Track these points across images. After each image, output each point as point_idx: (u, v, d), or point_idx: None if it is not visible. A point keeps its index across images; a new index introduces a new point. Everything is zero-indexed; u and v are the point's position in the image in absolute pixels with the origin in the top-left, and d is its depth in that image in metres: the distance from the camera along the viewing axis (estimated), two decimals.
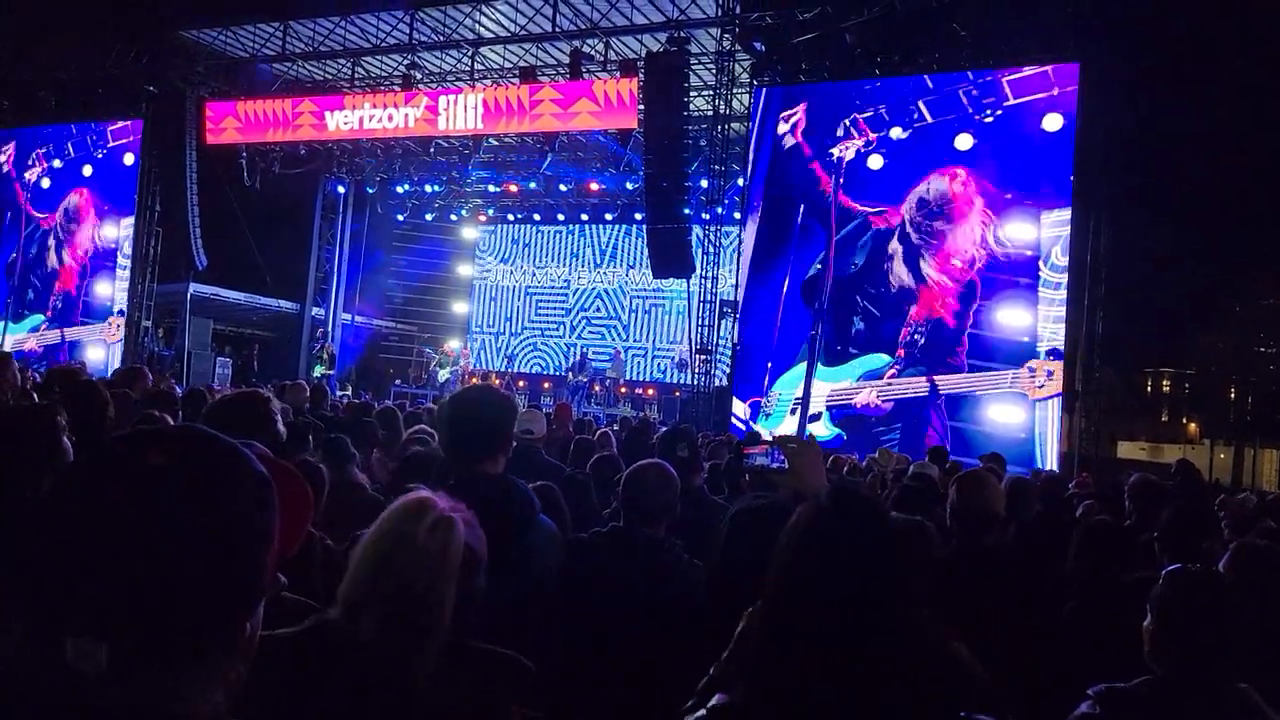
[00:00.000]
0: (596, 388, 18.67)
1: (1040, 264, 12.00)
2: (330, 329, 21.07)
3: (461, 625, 1.58)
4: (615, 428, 9.46)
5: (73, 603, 0.81)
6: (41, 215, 19.73)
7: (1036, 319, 11.96)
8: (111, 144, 18.57)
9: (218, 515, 0.86)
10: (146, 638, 0.82)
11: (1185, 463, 4.95)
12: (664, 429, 5.33)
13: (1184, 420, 44.35)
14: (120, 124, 18.37)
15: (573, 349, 21.64)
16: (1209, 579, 2.18)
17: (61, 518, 0.83)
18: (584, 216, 21.23)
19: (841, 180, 13.05)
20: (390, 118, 15.89)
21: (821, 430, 12.58)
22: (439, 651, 1.52)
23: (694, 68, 14.55)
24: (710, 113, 14.91)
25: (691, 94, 14.40)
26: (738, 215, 15.51)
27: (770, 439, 2.73)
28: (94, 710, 0.81)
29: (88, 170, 18.87)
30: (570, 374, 18.89)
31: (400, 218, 22.32)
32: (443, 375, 18.11)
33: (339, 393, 15.31)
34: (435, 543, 1.50)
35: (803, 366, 13.08)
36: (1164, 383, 46.83)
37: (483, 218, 22.67)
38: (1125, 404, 36.11)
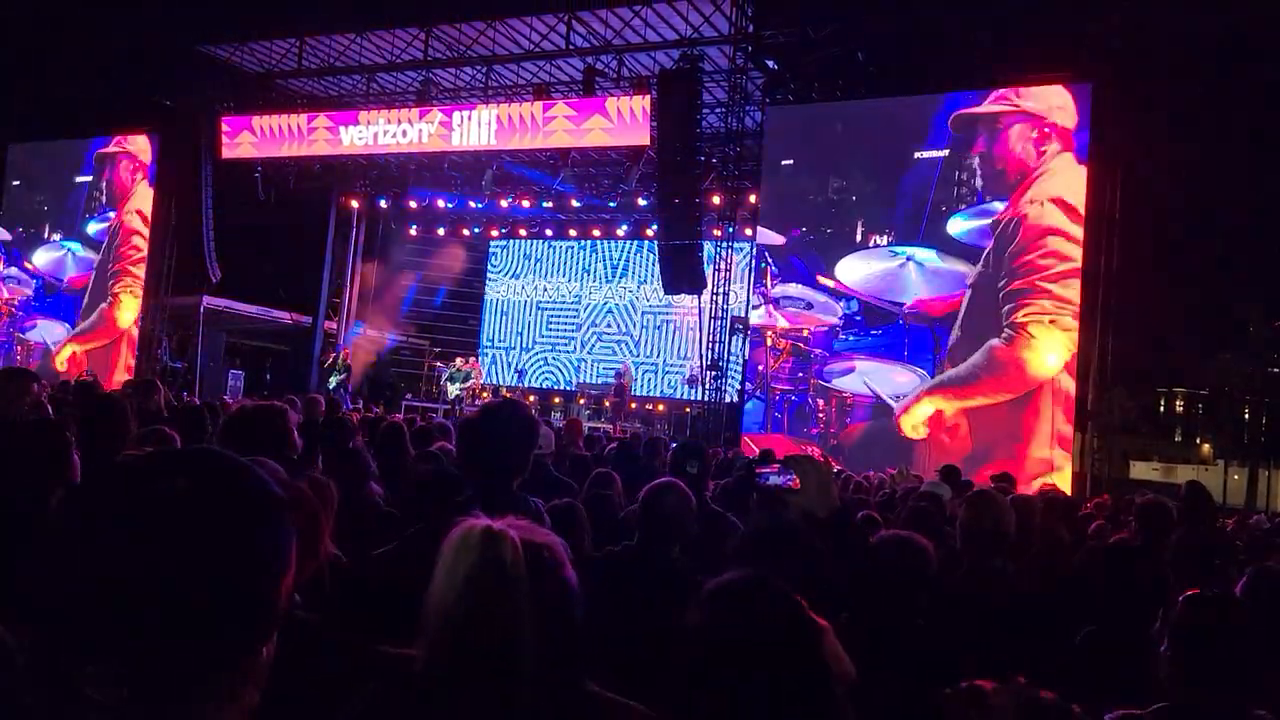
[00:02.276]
0: (606, 403, 18.66)
1: None
2: (342, 343, 21.15)
3: (571, 661, 1.45)
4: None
5: (88, 631, 0.79)
6: (60, 230, 19.97)
7: None
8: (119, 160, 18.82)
9: (236, 541, 0.84)
10: (163, 666, 0.81)
11: (1195, 484, 4.90)
12: (674, 445, 5.32)
13: (1197, 441, 44.02)
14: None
15: (583, 364, 21.66)
16: (1226, 603, 2.15)
17: (75, 543, 0.82)
18: (596, 232, 21.29)
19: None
20: (404, 133, 15.99)
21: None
22: (548, 688, 1.38)
23: (706, 85, 14.61)
24: (723, 129, 14.96)
25: (704, 111, 14.46)
26: (749, 232, 15.53)
27: (781, 458, 2.72)
28: None
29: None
30: (606, 399, 18.75)
31: (413, 232, 22.43)
32: (452, 390, 18.12)
33: (349, 406, 15.32)
34: (489, 564, 1.37)
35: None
36: (1177, 403, 46.50)
37: (495, 232, 22.76)
38: (1138, 424, 35.85)
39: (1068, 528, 4.70)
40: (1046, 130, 12.27)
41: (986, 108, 12.66)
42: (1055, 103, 12.31)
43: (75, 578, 0.80)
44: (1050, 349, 12.01)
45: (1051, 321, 12.01)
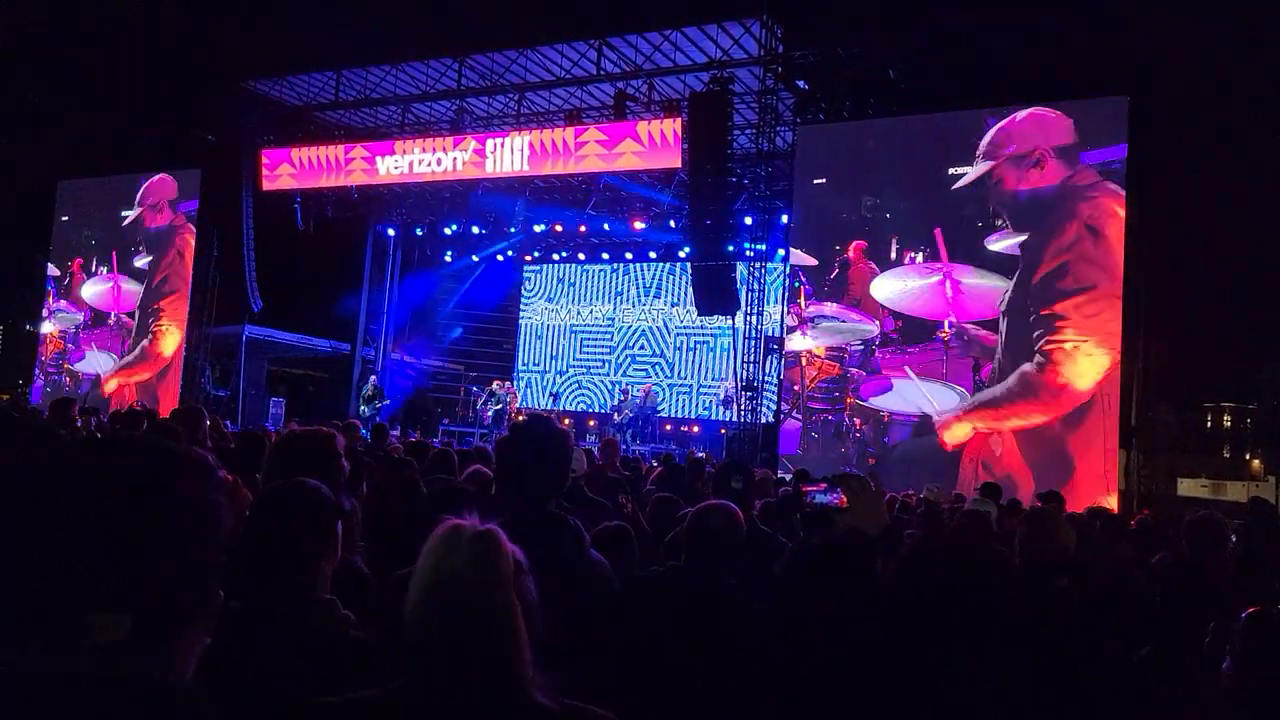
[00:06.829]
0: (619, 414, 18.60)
1: None
2: (380, 369, 21.38)
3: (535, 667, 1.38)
4: (655, 464, 9.40)
5: (97, 580, 0.94)
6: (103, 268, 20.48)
7: None
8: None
9: (191, 503, 1.02)
10: (158, 608, 0.97)
11: (1259, 500, 4.76)
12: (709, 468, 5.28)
13: (1247, 456, 42.91)
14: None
15: (616, 387, 21.67)
16: None
17: (66, 515, 0.97)
18: (628, 255, 21.36)
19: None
20: (439, 161, 16.22)
21: None
22: (527, 695, 1.31)
23: (737, 106, 14.66)
24: (754, 150, 14.99)
25: (735, 132, 14.50)
26: (781, 252, 15.48)
27: (828, 477, 2.70)
28: (100, 686, 0.93)
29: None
30: (616, 413, 18.77)
31: (448, 258, 22.67)
32: (489, 413, 18.21)
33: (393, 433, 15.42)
34: (480, 560, 1.31)
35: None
36: (1224, 418, 45.41)
37: (529, 257, 22.95)
38: (1185, 440, 35.05)
39: (1129, 545, 4.60)
40: (1078, 151, 12.12)
41: (1014, 150, 12.48)
42: (1090, 120, 12.18)
43: (73, 540, 0.95)
44: (1078, 374, 11.92)
45: (1075, 348, 11.94)
